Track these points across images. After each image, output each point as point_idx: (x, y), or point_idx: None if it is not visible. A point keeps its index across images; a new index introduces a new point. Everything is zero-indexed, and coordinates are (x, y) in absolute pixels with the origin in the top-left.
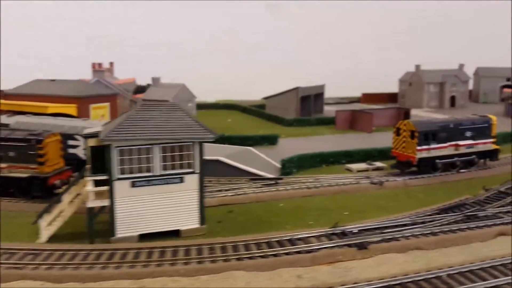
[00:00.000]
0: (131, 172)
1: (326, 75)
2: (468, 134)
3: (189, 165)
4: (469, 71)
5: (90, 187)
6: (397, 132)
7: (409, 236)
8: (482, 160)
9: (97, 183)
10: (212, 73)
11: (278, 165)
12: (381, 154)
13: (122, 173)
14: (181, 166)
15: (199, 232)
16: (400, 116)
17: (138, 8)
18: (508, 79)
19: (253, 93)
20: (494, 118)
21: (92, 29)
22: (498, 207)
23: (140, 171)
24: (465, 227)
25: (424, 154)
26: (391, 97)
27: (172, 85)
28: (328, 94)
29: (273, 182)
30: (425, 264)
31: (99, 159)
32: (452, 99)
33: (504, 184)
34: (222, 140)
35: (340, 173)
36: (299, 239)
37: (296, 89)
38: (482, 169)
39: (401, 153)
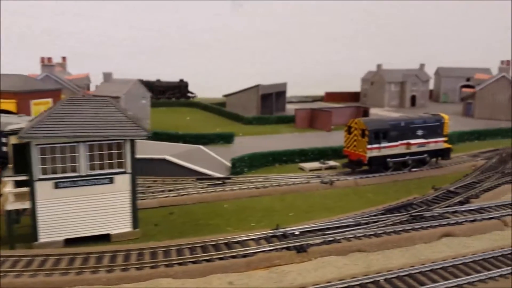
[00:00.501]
0: (54, 172)
1: (292, 74)
2: (420, 132)
3: (120, 165)
4: (431, 71)
5: (9, 188)
6: (349, 131)
7: (351, 238)
8: (434, 159)
9: (19, 184)
10: (176, 70)
11: (230, 164)
12: (335, 152)
13: (44, 173)
14: (111, 166)
15: (131, 236)
16: (359, 115)
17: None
18: (468, 79)
19: (216, 91)
20: (446, 117)
21: (49, 23)
22: (445, 207)
23: (64, 171)
24: (410, 228)
25: (375, 153)
26: (354, 96)
27: (124, 81)
28: (293, 92)
29: (220, 182)
30: (365, 267)
31: (22, 158)
32: (413, 99)
33: (454, 184)
34: (177, 138)
35: (293, 172)
36: (237, 242)
37: (256, 86)
38: (434, 168)
39: (353, 152)
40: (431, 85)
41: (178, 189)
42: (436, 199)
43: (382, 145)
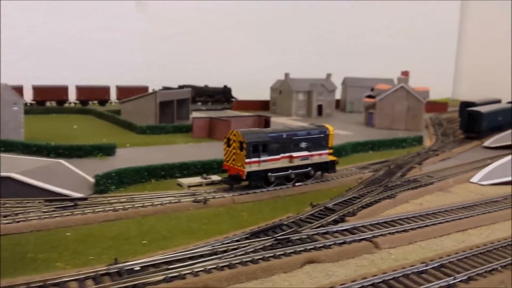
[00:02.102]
0: None
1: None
2: (303, 145)
3: None
4: (338, 80)
5: None
6: (228, 144)
7: (199, 271)
8: (319, 172)
9: None
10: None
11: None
12: (221, 166)
13: None
14: None
15: None
16: (261, 124)
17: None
18: (372, 89)
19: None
20: (331, 128)
21: None
22: (317, 227)
23: None
24: (271, 255)
25: (254, 167)
26: (263, 105)
27: None
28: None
29: (71, 204)
30: None
31: None
32: (319, 108)
33: (334, 199)
34: (47, 150)
35: (170, 189)
36: (55, 284)
37: (154, 93)
38: (319, 182)
39: (232, 166)
40: (338, 95)
41: (16, 214)
42: (310, 218)
43: (262, 158)
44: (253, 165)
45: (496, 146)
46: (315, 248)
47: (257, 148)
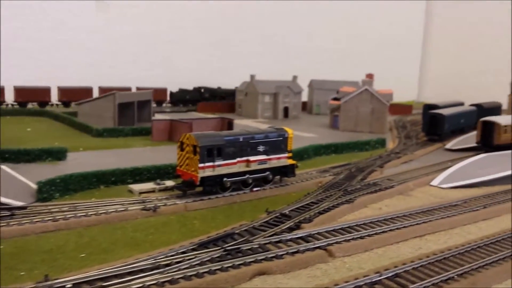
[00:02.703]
0: None
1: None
2: (261, 148)
3: None
4: (305, 83)
5: None
6: (181, 147)
7: None
8: (278, 177)
9: None
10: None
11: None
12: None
13: None
14: None
15: None
16: (224, 127)
17: None
18: (338, 92)
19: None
20: (290, 131)
21: None
22: (270, 235)
23: None
24: (218, 267)
25: (208, 172)
26: (230, 107)
27: None
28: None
29: (8, 213)
30: None
31: None
32: (286, 110)
33: (291, 205)
34: None
35: (118, 196)
36: None
37: (112, 94)
38: (278, 187)
39: (185, 172)
40: (305, 97)
41: None
42: (264, 226)
43: (217, 163)
44: (207, 170)
45: (458, 149)
46: (266, 259)
47: (211, 152)
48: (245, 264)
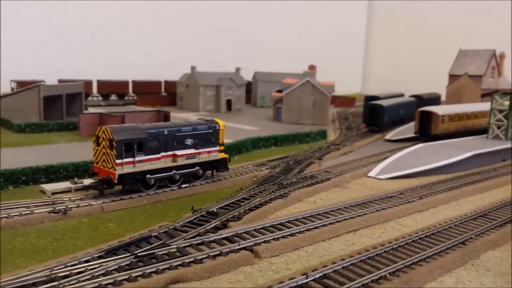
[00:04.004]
0: None
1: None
2: (189, 141)
3: None
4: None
5: None
6: (97, 142)
7: None
8: (210, 172)
9: None
10: None
11: None
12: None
13: None
14: None
15: None
16: (159, 120)
17: None
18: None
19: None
20: (221, 123)
21: None
22: (191, 237)
23: None
24: (125, 277)
25: (128, 169)
26: (171, 100)
27: None
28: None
29: None
30: None
31: None
32: (229, 103)
33: (220, 202)
34: None
35: (28, 198)
36: None
37: (37, 87)
38: (210, 183)
39: (102, 168)
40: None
41: None
42: (186, 226)
43: (138, 158)
44: (126, 166)
45: (398, 139)
46: (183, 264)
47: (130, 147)
48: (157, 272)
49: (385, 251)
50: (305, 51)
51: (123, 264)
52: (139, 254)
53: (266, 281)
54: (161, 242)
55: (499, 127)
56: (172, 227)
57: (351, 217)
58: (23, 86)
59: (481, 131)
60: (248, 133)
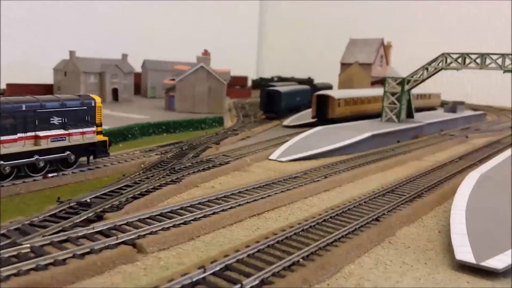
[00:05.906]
0: None
1: None
2: (56, 120)
3: None
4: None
5: None
6: None
7: None
8: (84, 158)
9: None
10: None
11: None
12: None
13: None
14: None
15: None
16: None
17: None
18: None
19: None
20: (98, 99)
21: None
22: (54, 233)
23: None
24: None
25: None
26: (47, 89)
27: None
28: None
29: None
30: None
31: None
32: (115, 92)
33: (96, 191)
34: None
35: None
36: None
37: None
38: (85, 171)
39: None
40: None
41: None
42: (48, 221)
43: None
44: None
45: (295, 125)
46: (37, 268)
47: None
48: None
49: (295, 233)
50: (201, 44)
51: None
52: None
53: (152, 281)
54: (8, 241)
55: (391, 110)
56: (27, 222)
57: (254, 200)
58: None
59: (375, 116)
60: (137, 121)
